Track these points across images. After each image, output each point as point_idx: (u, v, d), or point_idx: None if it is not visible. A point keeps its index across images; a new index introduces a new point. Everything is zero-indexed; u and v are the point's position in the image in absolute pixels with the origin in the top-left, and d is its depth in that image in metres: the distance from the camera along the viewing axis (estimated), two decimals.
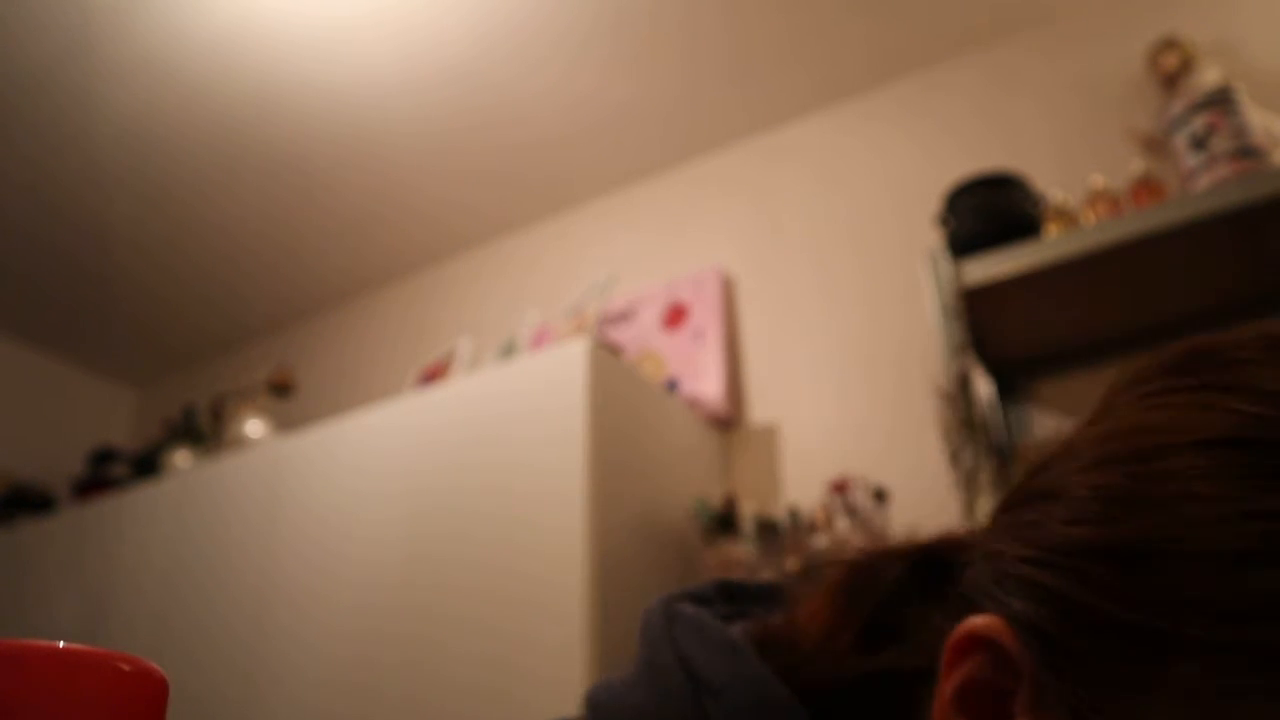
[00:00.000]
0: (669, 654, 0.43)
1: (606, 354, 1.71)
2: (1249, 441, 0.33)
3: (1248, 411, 0.34)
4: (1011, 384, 1.75)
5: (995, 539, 0.38)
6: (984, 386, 1.58)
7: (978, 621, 0.35)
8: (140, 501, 2.22)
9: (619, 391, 1.70)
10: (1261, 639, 0.29)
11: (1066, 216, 1.60)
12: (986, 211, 1.54)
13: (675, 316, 2.17)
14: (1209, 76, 1.66)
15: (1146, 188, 1.60)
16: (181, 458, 2.49)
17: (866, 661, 0.41)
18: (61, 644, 0.24)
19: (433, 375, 2.22)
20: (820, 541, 1.64)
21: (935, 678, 0.37)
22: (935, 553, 0.45)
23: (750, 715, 0.40)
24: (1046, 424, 1.70)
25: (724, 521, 1.70)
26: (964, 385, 1.44)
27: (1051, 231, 1.55)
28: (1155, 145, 1.73)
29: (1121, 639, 0.32)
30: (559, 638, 1.43)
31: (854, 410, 1.92)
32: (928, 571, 0.44)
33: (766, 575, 1.64)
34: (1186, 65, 1.73)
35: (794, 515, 1.69)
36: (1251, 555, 0.30)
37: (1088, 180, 1.69)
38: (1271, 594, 0.29)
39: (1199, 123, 1.47)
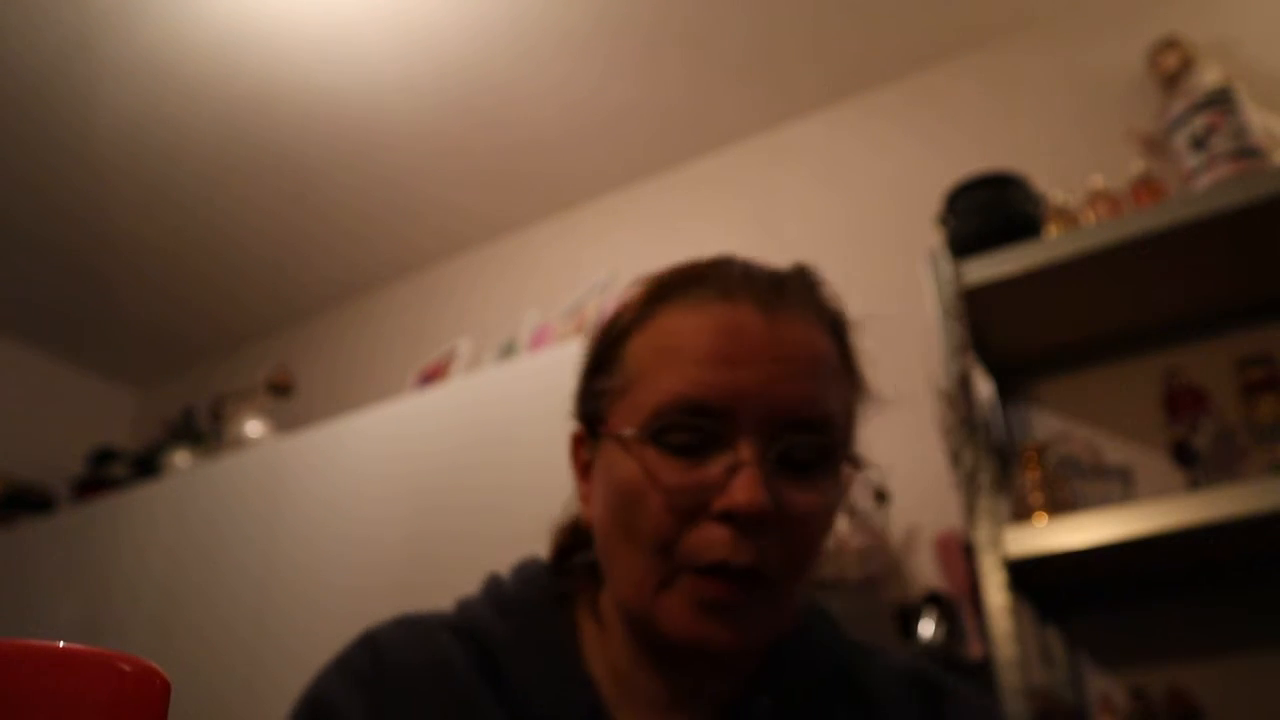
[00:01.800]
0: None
1: None
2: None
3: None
4: (1011, 384, 1.75)
5: None
6: (984, 386, 1.58)
7: (574, 430, 0.68)
8: (140, 501, 2.22)
9: None
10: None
11: (1066, 216, 1.60)
12: (986, 211, 1.54)
13: None
14: (1209, 76, 1.66)
15: (1146, 188, 1.60)
16: (181, 458, 2.49)
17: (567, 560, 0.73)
18: (61, 644, 0.24)
19: (432, 375, 2.22)
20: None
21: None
22: None
23: (520, 571, 0.71)
24: (1046, 424, 1.70)
25: None
26: (964, 385, 1.44)
27: (1051, 231, 1.55)
28: (1155, 145, 1.73)
29: (591, 375, 0.67)
30: None
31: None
32: None
33: None
34: (1186, 65, 1.73)
35: None
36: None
37: (1088, 180, 1.69)
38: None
39: (1199, 123, 1.47)
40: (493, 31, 2.03)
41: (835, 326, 0.67)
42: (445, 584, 1.77)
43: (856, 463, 0.65)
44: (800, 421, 0.59)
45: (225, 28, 1.99)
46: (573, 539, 0.71)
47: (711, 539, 0.56)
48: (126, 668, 0.25)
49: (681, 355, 0.59)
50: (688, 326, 0.60)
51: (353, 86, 2.14)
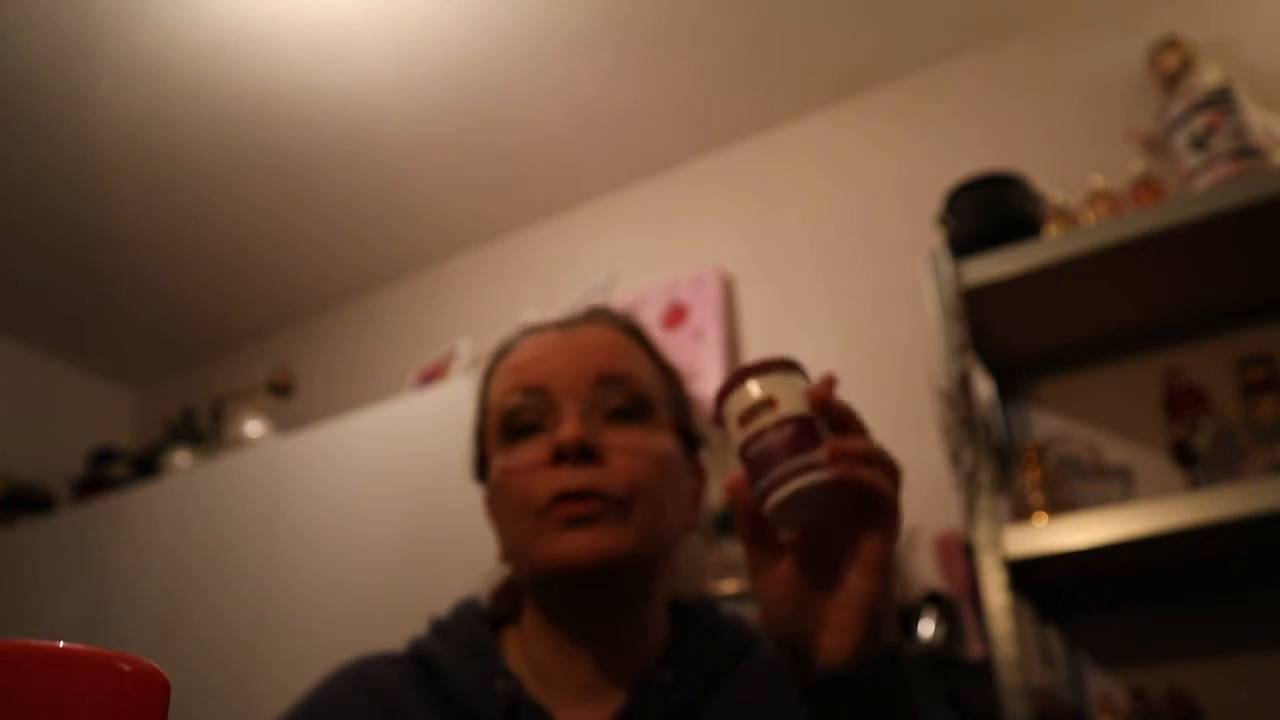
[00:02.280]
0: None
1: None
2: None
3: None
4: (1011, 384, 1.75)
5: None
6: (984, 386, 1.58)
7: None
8: (140, 501, 2.22)
9: None
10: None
11: (1066, 216, 1.60)
12: (987, 211, 1.54)
13: (675, 316, 2.17)
14: (1209, 76, 1.66)
15: (1146, 188, 1.60)
16: (181, 458, 2.49)
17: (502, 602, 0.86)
18: (61, 644, 0.24)
19: (432, 375, 2.22)
20: None
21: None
22: None
23: (456, 605, 0.82)
24: (1046, 424, 1.70)
25: (724, 522, 1.70)
26: (964, 385, 1.44)
27: (1051, 231, 1.55)
28: (1155, 145, 1.73)
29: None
30: None
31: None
32: None
33: None
34: (1186, 65, 1.73)
35: None
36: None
37: (1088, 180, 1.69)
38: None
39: (1199, 123, 1.47)
40: (492, 32, 2.03)
41: (634, 332, 0.81)
42: (445, 583, 1.77)
43: (691, 439, 0.81)
44: (605, 377, 0.74)
45: (225, 28, 1.99)
46: (504, 589, 0.83)
47: (550, 478, 0.70)
48: (126, 668, 0.25)
49: (508, 373, 0.77)
50: (511, 359, 0.79)
51: (352, 87, 2.14)
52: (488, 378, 0.81)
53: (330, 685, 0.78)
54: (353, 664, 0.79)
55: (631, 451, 0.72)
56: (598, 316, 0.81)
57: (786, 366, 0.60)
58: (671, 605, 0.79)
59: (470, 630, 0.78)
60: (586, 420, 0.71)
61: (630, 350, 0.78)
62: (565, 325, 0.79)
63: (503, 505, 0.74)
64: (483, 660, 0.74)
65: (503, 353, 0.81)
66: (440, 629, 0.80)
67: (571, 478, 0.69)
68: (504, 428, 0.75)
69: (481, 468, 0.80)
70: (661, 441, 0.75)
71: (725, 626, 0.78)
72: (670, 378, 0.81)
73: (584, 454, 0.70)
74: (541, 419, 0.73)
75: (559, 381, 0.73)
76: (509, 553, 0.76)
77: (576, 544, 0.68)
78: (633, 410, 0.74)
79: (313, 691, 0.78)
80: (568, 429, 0.70)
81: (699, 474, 0.82)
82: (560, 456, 0.70)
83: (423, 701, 0.72)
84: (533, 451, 0.72)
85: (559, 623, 0.73)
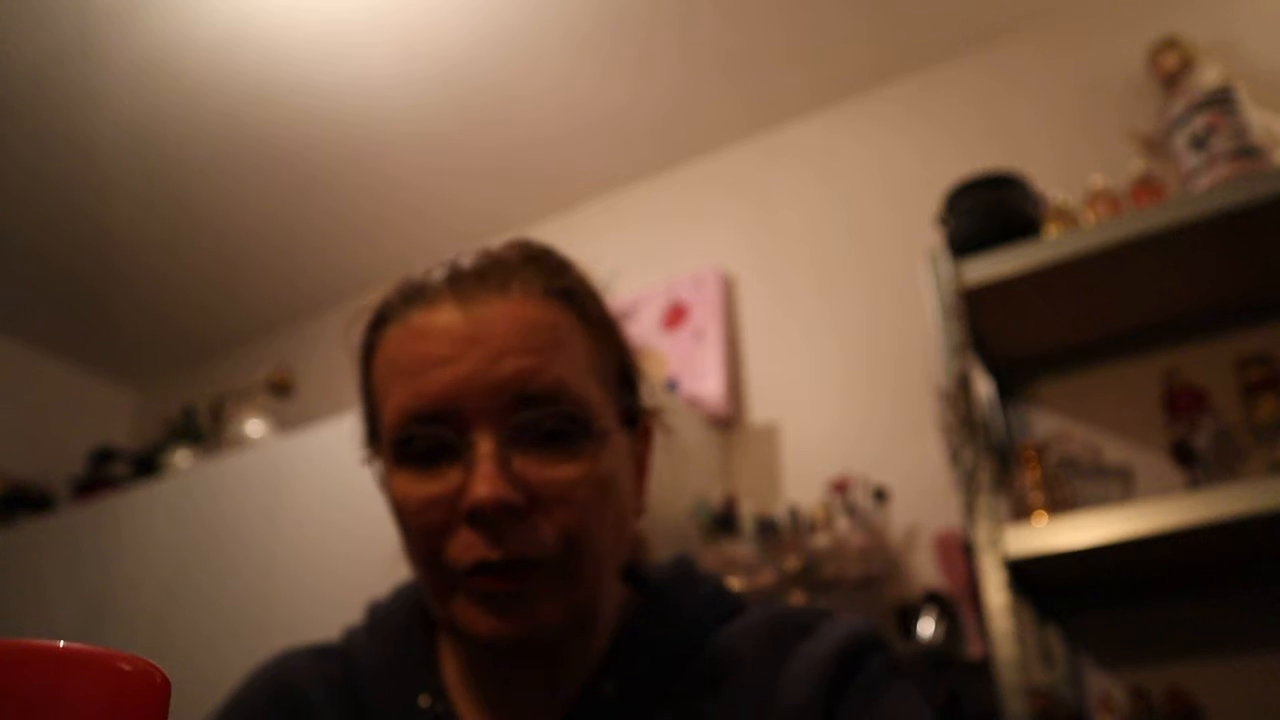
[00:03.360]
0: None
1: None
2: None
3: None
4: (1011, 384, 1.75)
5: None
6: (984, 386, 1.59)
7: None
8: (140, 501, 2.22)
9: None
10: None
11: (1066, 216, 1.60)
12: (986, 211, 1.54)
13: (675, 316, 2.17)
14: (1209, 76, 1.66)
15: (1146, 188, 1.60)
16: (181, 458, 2.49)
17: None
18: (61, 644, 0.24)
19: None
20: (820, 541, 1.64)
21: None
22: None
23: (396, 588, 0.74)
24: (1046, 424, 1.70)
25: (724, 521, 1.70)
26: (964, 385, 1.44)
27: (1051, 231, 1.55)
28: (1155, 145, 1.73)
29: (365, 402, 0.68)
30: None
31: (854, 410, 1.92)
32: None
33: (766, 575, 1.64)
34: (1186, 65, 1.73)
35: (794, 515, 1.69)
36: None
37: (1088, 180, 1.69)
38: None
39: (1199, 123, 1.47)
40: (492, 32, 2.03)
41: (562, 293, 0.63)
42: None
43: (635, 415, 0.66)
44: (528, 397, 0.57)
45: (226, 28, 1.99)
46: None
47: (468, 543, 0.56)
48: (126, 668, 0.25)
49: (398, 372, 0.60)
50: (398, 344, 0.62)
51: (352, 87, 2.14)
52: (368, 354, 0.65)
53: (248, 697, 0.70)
54: (275, 667, 0.71)
55: (568, 495, 0.57)
56: (506, 275, 0.61)
57: None
58: (635, 585, 0.69)
59: (403, 633, 0.68)
60: (506, 460, 0.56)
61: (556, 329, 0.60)
62: (462, 294, 0.60)
63: (400, 530, 0.62)
64: (413, 672, 0.65)
65: (381, 321, 0.64)
66: (374, 625, 0.71)
67: (493, 547, 0.55)
68: (398, 447, 0.59)
69: (371, 441, 0.67)
70: (605, 460, 0.59)
71: (687, 615, 0.66)
72: (610, 342, 0.65)
73: (509, 513, 0.55)
74: (447, 448, 0.57)
75: (469, 400, 0.57)
76: (415, 578, 0.65)
77: (500, 627, 0.57)
78: (567, 432, 0.58)
79: (231, 701, 0.72)
80: (484, 486, 0.54)
81: (643, 448, 0.68)
82: (476, 519, 0.56)
83: (336, 715, 0.65)
84: (432, 487, 0.57)
85: (483, 662, 0.64)
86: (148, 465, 2.56)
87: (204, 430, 2.61)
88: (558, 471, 0.57)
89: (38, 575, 2.28)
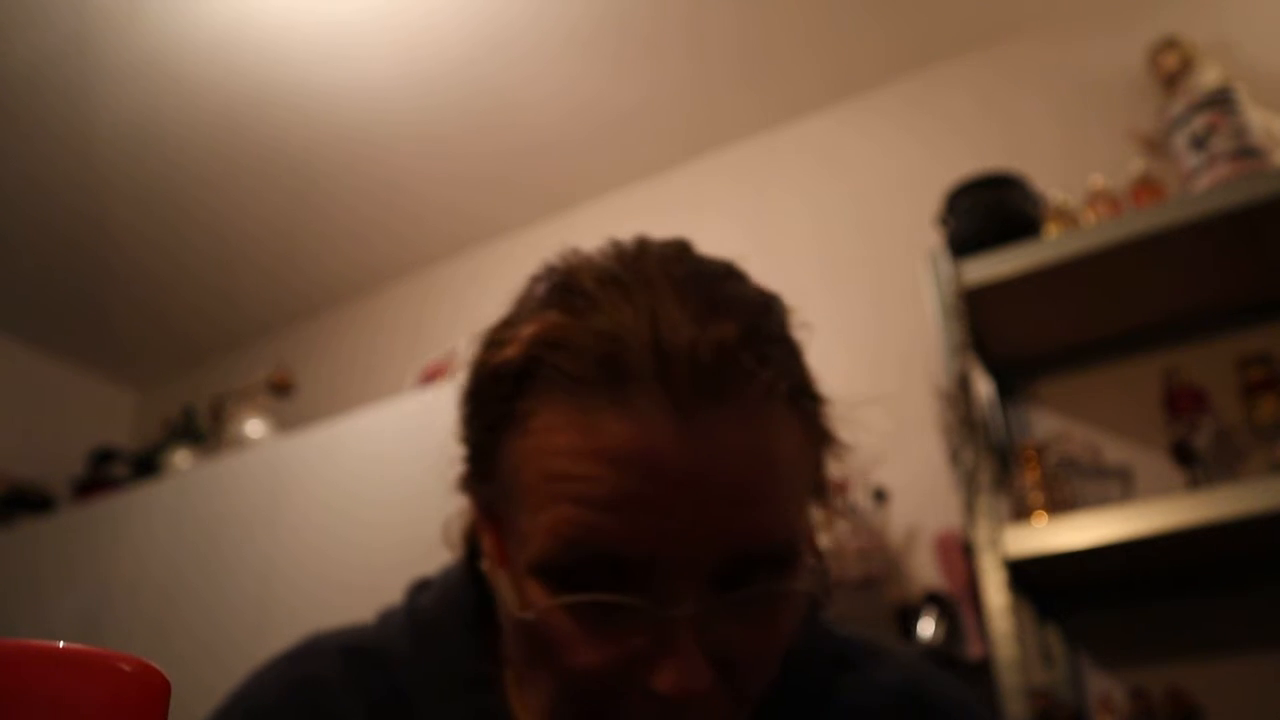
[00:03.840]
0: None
1: None
2: (481, 337, 0.54)
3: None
4: (1011, 384, 1.75)
5: None
6: (984, 386, 1.58)
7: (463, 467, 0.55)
8: (140, 501, 2.22)
9: None
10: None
11: (1066, 216, 1.60)
12: (986, 212, 1.54)
13: None
14: (1209, 76, 1.66)
15: (1146, 188, 1.60)
16: (181, 458, 2.49)
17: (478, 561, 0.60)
18: (61, 644, 0.24)
19: (433, 375, 2.22)
20: (820, 541, 1.64)
21: None
22: None
23: (442, 581, 0.63)
24: (1046, 424, 1.70)
25: None
26: (964, 385, 1.44)
27: (1051, 231, 1.55)
28: (1155, 145, 1.73)
29: (472, 451, 0.54)
30: None
31: (854, 410, 1.92)
32: None
33: None
34: (1186, 65, 1.73)
35: None
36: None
37: (1088, 180, 1.69)
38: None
39: (1199, 123, 1.47)
40: (492, 32, 2.03)
41: (798, 393, 0.49)
42: None
43: (816, 551, 0.52)
44: (748, 559, 0.44)
45: (225, 28, 1.99)
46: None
47: (640, 713, 0.44)
48: (126, 668, 0.25)
49: (570, 487, 0.44)
50: (570, 448, 0.44)
51: (352, 87, 2.14)
52: (503, 417, 0.48)
53: (257, 695, 0.61)
54: (298, 662, 0.60)
55: (764, 659, 0.47)
56: (739, 367, 0.44)
57: None
58: None
59: (456, 646, 0.56)
60: (708, 634, 0.43)
61: (792, 458, 0.47)
62: (684, 399, 0.43)
63: (527, 649, 0.48)
64: (472, 697, 0.54)
65: (535, 382, 0.46)
66: (420, 630, 0.58)
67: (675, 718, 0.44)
68: (547, 570, 0.45)
69: (481, 480, 0.52)
70: (801, 594, 0.48)
71: (815, 655, 0.57)
72: (825, 450, 0.53)
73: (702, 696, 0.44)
74: (622, 604, 0.43)
75: (672, 559, 0.43)
76: (519, 672, 0.54)
77: None
78: (779, 593, 0.46)
79: (238, 696, 0.63)
80: (683, 677, 0.42)
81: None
82: (661, 703, 0.43)
83: None
84: (613, 656, 0.44)
85: None
86: (148, 465, 2.56)
87: (204, 430, 2.61)
88: (761, 638, 0.46)
89: (37, 576, 2.28)
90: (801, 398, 0.50)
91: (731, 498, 0.43)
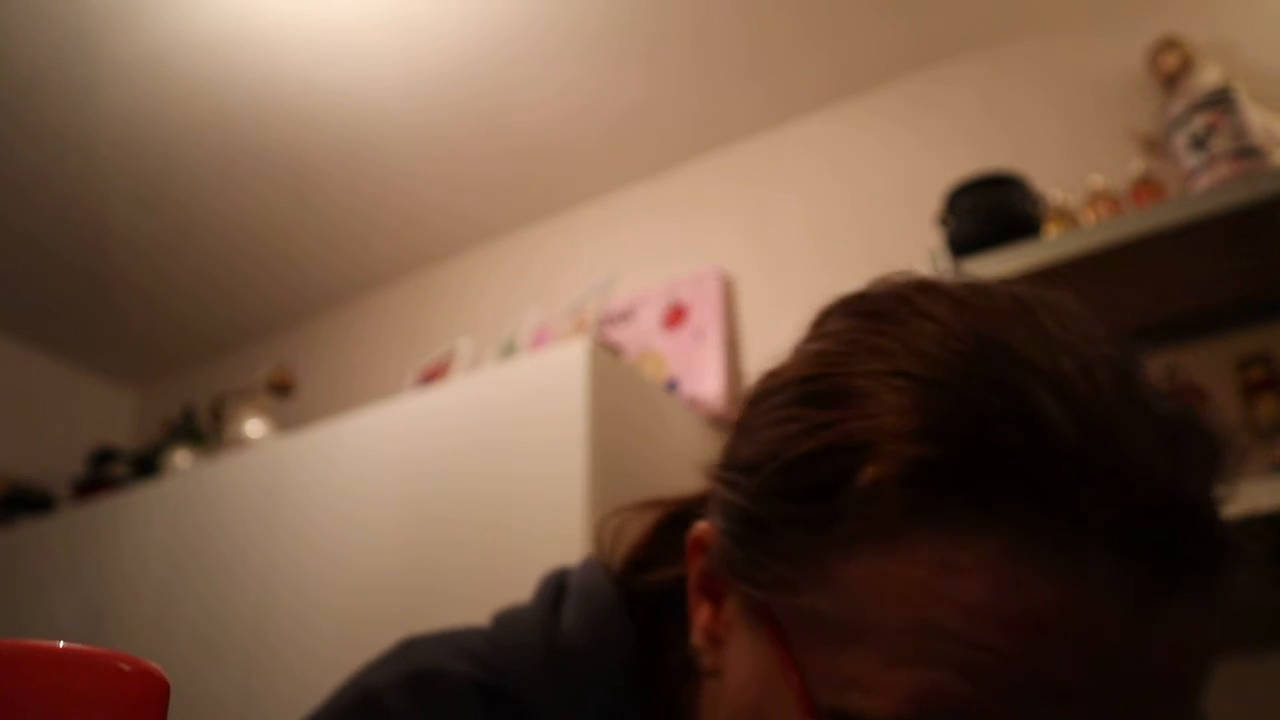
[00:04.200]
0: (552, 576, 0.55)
1: (607, 354, 1.71)
2: (810, 378, 0.40)
3: (817, 350, 0.42)
4: None
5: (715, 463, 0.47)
6: None
7: (698, 526, 0.45)
8: (140, 501, 2.22)
9: (619, 391, 1.70)
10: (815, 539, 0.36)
11: (1066, 216, 1.60)
12: (986, 211, 1.54)
13: (675, 316, 2.17)
14: (1209, 76, 1.66)
15: (1146, 188, 1.60)
16: (181, 458, 2.49)
17: (661, 571, 0.52)
18: (61, 644, 0.24)
19: (433, 375, 2.22)
20: None
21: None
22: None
23: (587, 600, 0.51)
24: None
25: None
26: None
27: (1051, 231, 1.55)
28: (1155, 145, 1.73)
29: (752, 527, 0.39)
30: None
31: None
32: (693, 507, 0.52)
33: None
34: (1186, 65, 1.73)
35: None
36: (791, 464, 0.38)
37: (1088, 180, 1.69)
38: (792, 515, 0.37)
39: (1199, 123, 1.47)
40: (493, 32, 2.03)
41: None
42: (446, 584, 1.77)
43: None
44: None
45: (224, 29, 1.99)
46: (654, 548, 0.53)
47: None
48: (126, 668, 0.25)
49: (959, 652, 0.32)
50: (980, 599, 0.32)
51: (353, 87, 2.14)
52: (876, 525, 0.35)
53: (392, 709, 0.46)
54: (421, 693, 0.46)
55: None
56: (1212, 562, 0.34)
57: None
58: None
59: (611, 701, 0.47)
60: None
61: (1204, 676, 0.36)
62: (1149, 581, 0.32)
63: None
64: None
65: (957, 493, 0.33)
66: (562, 677, 0.47)
67: None
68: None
69: (741, 563, 0.40)
70: None
71: None
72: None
73: None
74: None
75: None
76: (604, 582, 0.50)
77: None
78: None
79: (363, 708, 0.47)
80: None
81: None
82: None
83: None
84: None
85: None
86: (148, 465, 2.56)
87: (204, 430, 2.61)
88: None
89: (38, 575, 2.28)
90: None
91: (1166, 711, 0.33)
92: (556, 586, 0.53)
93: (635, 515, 0.55)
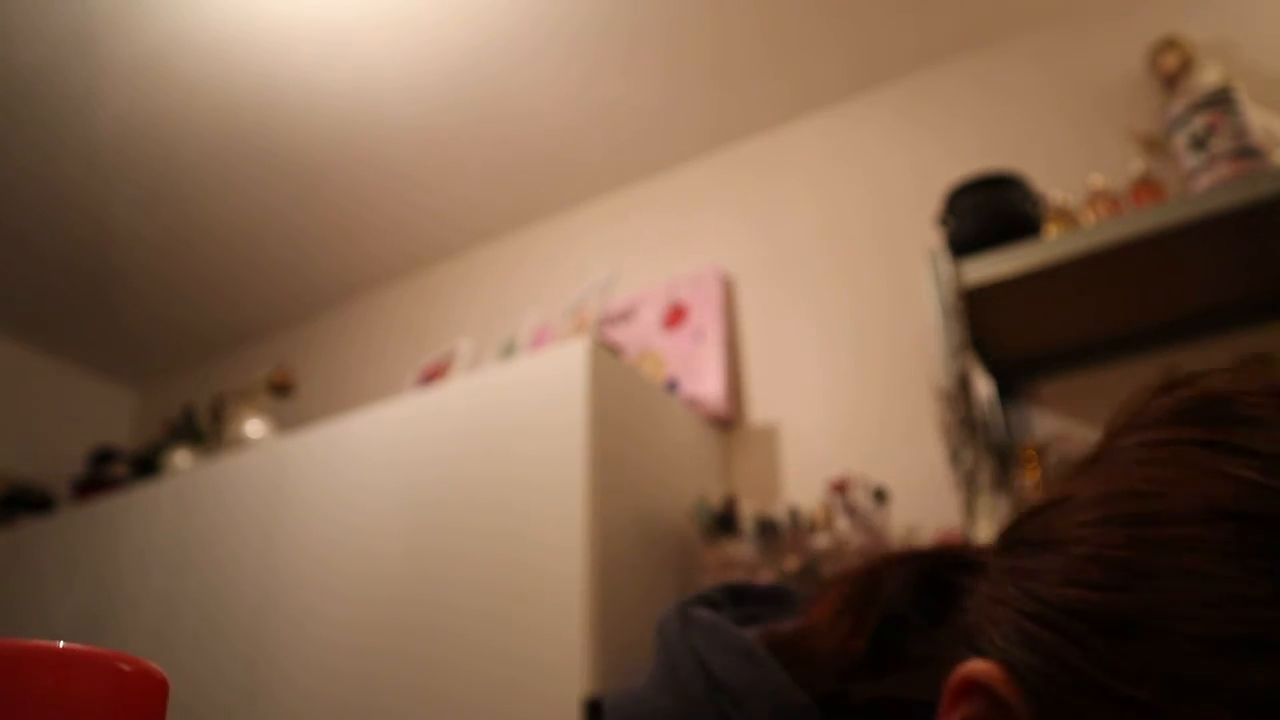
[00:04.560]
0: (689, 660, 0.44)
1: (607, 354, 1.71)
2: (1249, 516, 0.32)
3: (1250, 480, 0.33)
4: (1011, 384, 1.75)
5: (997, 580, 0.38)
6: (984, 386, 1.58)
7: (978, 666, 0.35)
8: (140, 501, 2.22)
9: (619, 391, 1.70)
10: None
11: (1066, 216, 1.60)
12: (986, 211, 1.54)
13: (675, 316, 2.17)
14: (1209, 76, 1.66)
15: (1146, 188, 1.60)
16: (181, 458, 2.49)
17: (873, 686, 0.41)
18: (61, 644, 0.24)
19: (433, 375, 2.22)
20: (820, 541, 1.64)
21: (935, 711, 0.37)
22: (936, 566, 0.45)
23: None
24: (1046, 424, 1.70)
25: (724, 521, 1.70)
26: (964, 385, 1.44)
27: (1051, 231, 1.55)
28: (1155, 145, 1.73)
29: (1113, 705, 0.32)
30: (559, 648, 1.43)
31: (854, 410, 1.92)
32: (929, 585, 0.44)
33: (766, 575, 1.64)
34: (1186, 65, 1.73)
35: (794, 515, 1.69)
36: (1241, 642, 0.30)
37: (1088, 180, 1.69)
38: (1258, 685, 0.29)
39: (1199, 123, 1.47)
40: (495, 32, 2.03)
41: None
42: (446, 584, 1.77)
43: None
44: None
45: (225, 28, 1.99)
46: (869, 651, 0.43)
47: None
48: (126, 668, 0.25)
49: None
50: None
51: (353, 87, 2.14)
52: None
53: None
54: None
55: None
56: None
57: None
58: None
59: None
60: None
61: None
62: None
63: None
64: None
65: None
66: None
67: None
68: None
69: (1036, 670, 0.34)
70: None
71: None
72: None
73: None
74: None
75: None
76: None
77: None
78: None
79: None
80: None
81: None
82: None
83: None
84: None
85: None
86: (148, 465, 2.56)
87: (204, 430, 2.61)
88: None
89: (38, 576, 2.28)
90: None
91: None
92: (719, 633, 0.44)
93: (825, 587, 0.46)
